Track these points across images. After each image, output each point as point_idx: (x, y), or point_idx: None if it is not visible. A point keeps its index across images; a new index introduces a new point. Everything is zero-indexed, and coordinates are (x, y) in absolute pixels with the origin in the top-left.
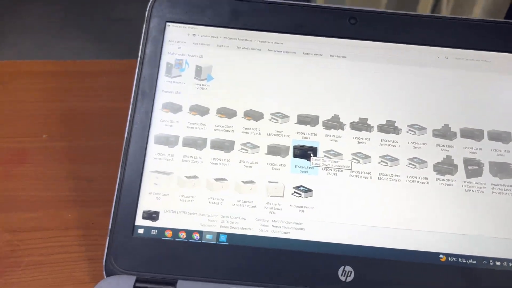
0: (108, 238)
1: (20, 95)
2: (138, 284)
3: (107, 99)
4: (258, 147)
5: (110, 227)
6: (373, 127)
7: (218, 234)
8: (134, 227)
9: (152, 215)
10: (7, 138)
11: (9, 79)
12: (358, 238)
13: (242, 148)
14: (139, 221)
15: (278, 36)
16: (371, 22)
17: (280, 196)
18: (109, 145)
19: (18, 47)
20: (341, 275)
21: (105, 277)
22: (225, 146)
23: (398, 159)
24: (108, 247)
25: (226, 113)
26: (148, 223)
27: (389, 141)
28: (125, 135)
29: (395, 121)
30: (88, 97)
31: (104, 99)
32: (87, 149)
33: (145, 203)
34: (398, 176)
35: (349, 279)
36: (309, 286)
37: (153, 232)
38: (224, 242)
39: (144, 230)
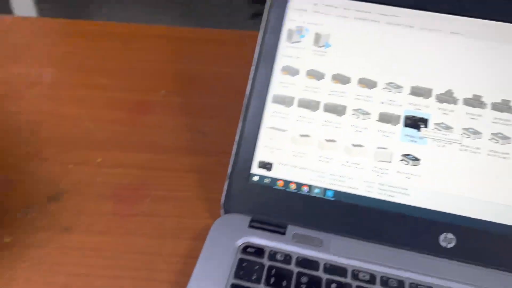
0: (227, 181)
1: (138, 55)
2: (253, 223)
3: (219, 64)
4: (370, 113)
5: (229, 172)
6: (487, 104)
7: (325, 189)
8: (250, 174)
9: (266, 166)
10: (130, 91)
11: (128, 39)
12: (463, 208)
13: (354, 113)
14: (255, 169)
15: (397, 10)
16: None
17: (388, 162)
18: (220, 104)
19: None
20: (442, 241)
21: (222, 215)
22: (337, 110)
23: (510, 138)
24: (227, 189)
25: (341, 79)
26: (263, 172)
27: (502, 119)
28: (247, 93)
29: (510, 101)
30: (200, 61)
31: (216, 64)
32: (200, 105)
33: (260, 155)
34: (508, 154)
35: (450, 246)
36: (409, 247)
37: (266, 180)
38: (330, 197)
39: (259, 178)
